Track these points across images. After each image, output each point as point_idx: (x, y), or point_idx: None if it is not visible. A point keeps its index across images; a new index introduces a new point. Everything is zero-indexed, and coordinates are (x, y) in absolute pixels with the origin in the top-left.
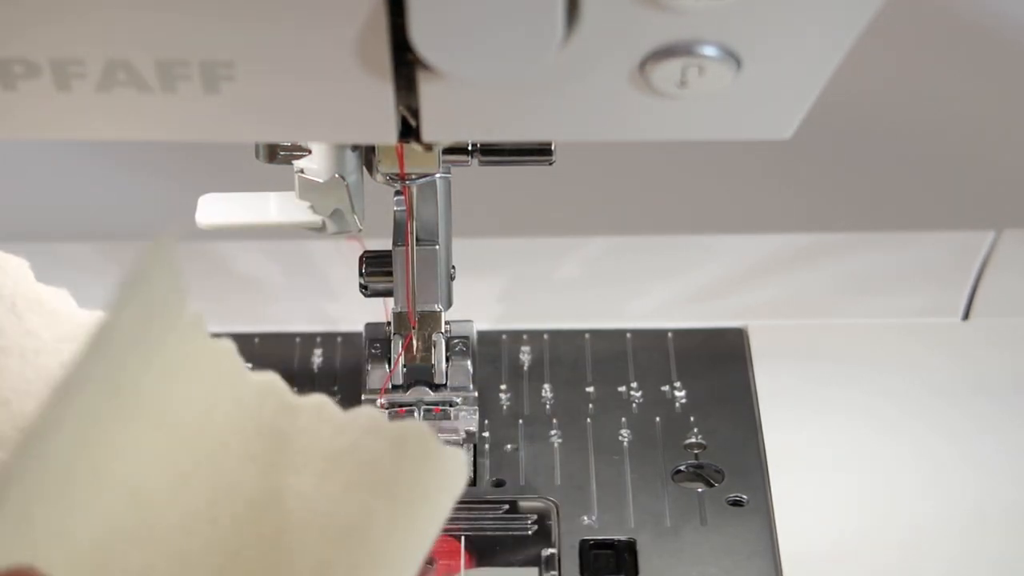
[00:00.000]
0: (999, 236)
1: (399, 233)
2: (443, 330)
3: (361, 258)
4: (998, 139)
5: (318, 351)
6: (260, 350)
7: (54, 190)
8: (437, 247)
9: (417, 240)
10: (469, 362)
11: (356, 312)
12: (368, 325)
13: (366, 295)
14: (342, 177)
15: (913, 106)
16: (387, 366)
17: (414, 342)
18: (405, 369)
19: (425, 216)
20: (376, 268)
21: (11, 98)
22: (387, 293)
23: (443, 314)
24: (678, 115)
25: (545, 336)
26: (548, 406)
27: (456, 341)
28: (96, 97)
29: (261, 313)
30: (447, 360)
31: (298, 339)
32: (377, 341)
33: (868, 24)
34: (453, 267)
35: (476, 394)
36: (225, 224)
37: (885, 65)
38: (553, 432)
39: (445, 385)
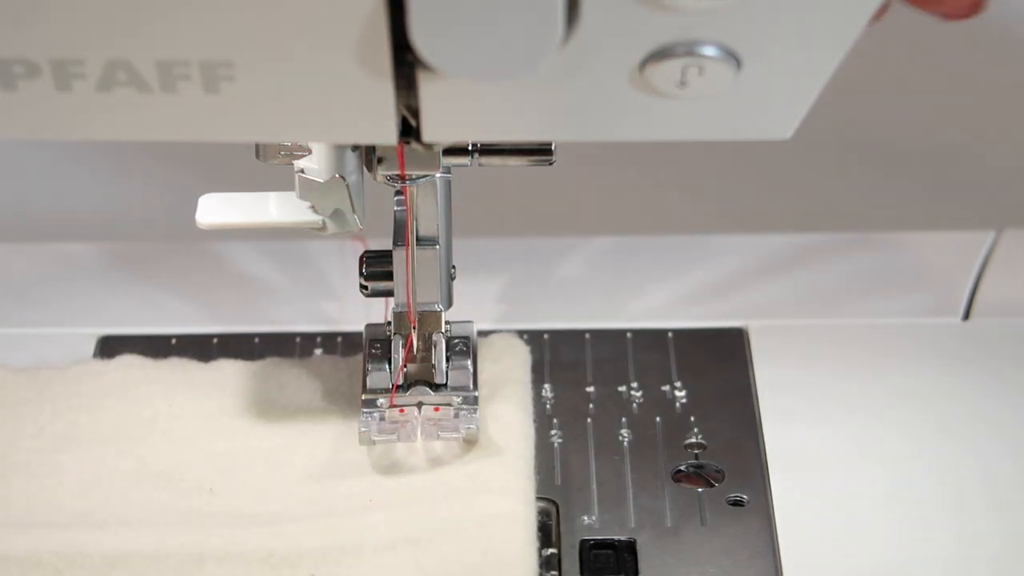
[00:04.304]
0: (999, 236)
1: (399, 233)
2: (443, 330)
3: (361, 258)
4: (998, 139)
5: (318, 351)
6: (260, 350)
7: (54, 190)
8: (437, 247)
9: (417, 240)
10: (469, 362)
11: (356, 312)
12: (368, 325)
13: (366, 295)
14: (342, 177)
15: (913, 106)
16: (387, 366)
17: (414, 342)
18: (405, 369)
19: (425, 216)
20: (376, 268)
21: (11, 98)
22: (387, 293)
23: (443, 314)
24: (678, 115)
25: (545, 336)
26: (548, 406)
27: (456, 341)
28: (96, 97)
29: (261, 313)
30: (447, 360)
31: (298, 339)
32: (377, 341)
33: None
34: (453, 267)
35: (476, 394)
36: (225, 224)
37: (885, 65)
38: (553, 432)
39: (445, 385)
